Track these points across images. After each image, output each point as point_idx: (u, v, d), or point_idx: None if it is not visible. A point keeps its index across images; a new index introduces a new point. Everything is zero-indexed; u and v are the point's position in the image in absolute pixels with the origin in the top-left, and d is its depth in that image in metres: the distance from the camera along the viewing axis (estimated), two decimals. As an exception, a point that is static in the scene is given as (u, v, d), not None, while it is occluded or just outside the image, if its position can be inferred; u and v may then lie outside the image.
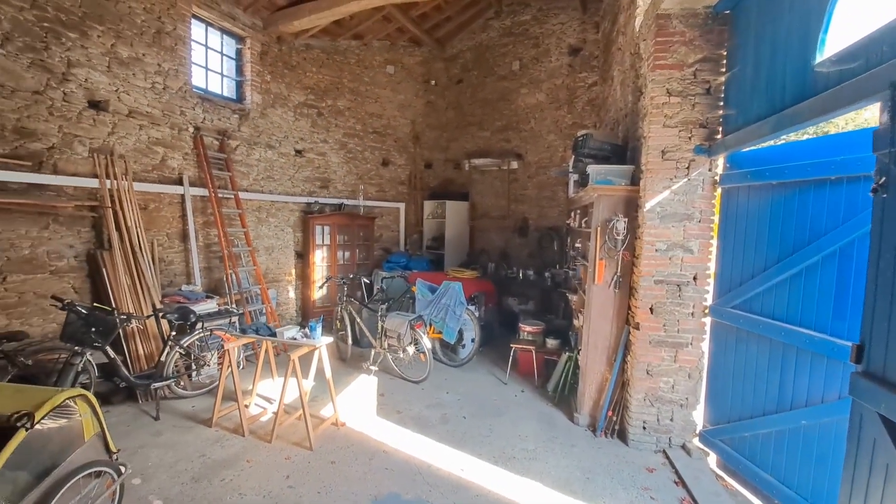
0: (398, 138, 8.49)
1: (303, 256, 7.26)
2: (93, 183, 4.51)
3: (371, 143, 8.09)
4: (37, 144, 4.14)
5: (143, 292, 4.65)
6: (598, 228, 3.89)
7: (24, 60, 4.01)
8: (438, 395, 4.67)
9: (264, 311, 6.01)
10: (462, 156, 8.65)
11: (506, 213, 8.08)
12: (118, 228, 4.61)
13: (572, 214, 5.36)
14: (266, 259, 6.65)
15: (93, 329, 3.48)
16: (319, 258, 7.16)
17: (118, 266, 4.50)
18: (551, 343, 5.25)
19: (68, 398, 2.29)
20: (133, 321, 3.93)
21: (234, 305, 5.52)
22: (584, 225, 4.56)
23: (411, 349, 4.84)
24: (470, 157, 8.38)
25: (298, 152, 7.17)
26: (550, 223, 7.52)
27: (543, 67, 7.63)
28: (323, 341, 3.71)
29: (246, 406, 4.15)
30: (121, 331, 4.26)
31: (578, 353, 4.42)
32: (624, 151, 4.52)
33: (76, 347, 3.43)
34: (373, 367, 5.24)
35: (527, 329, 5.39)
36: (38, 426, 2.16)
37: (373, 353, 5.24)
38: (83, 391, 2.37)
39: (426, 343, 4.82)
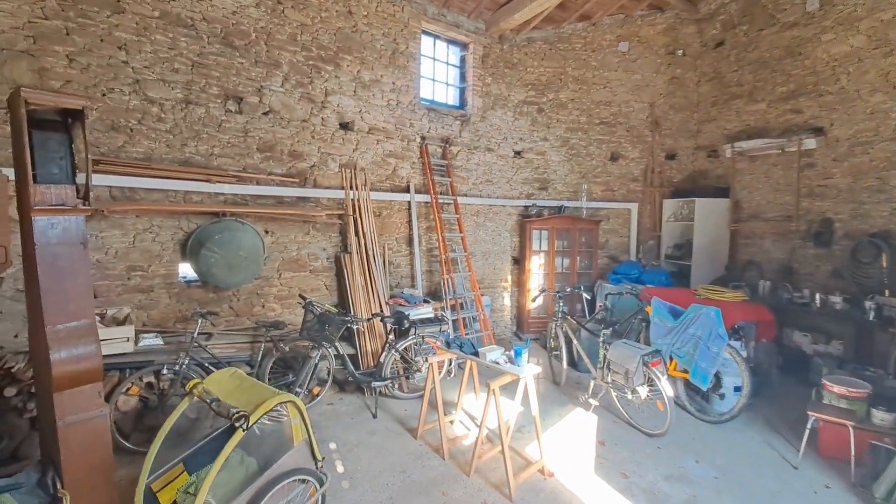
0: (631, 127, 7.21)
1: (519, 262, 6.89)
2: (339, 194, 5.14)
3: (597, 135, 7.10)
4: (302, 164, 4.94)
5: (372, 293, 5.05)
6: None
7: (295, 95, 4.82)
8: (683, 461, 3.46)
9: (477, 318, 5.86)
10: (721, 139, 6.72)
11: (791, 211, 5.81)
12: (357, 234, 5.13)
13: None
14: (483, 264, 6.54)
15: (326, 327, 3.81)
16: (536, 265, 6.64)
17: (354, 268, 5.00)
18: (881, 418, 3.30)
19: (279, 403, 2.37)
20: (355, 322, 4.20)
21: (448, 310, 5.53)
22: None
23: (643, 391, 3.76)
24: (733, 141, 6.41)
25: (517, 153, 6.83)
26: (875, 227, 4.98)
27: (866, -4, 5.12)
28: (529, 371, 3.12)
29: (450, 422, 3.94)
30: (354, 329, 4.69)
31: (966, 456, 2.52)
32: None
33: (310, 343, 3.82)
34: (592, 401, 4.36)
35: (837, 390, 3.54)
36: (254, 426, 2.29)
37: (592, 383, 4.36)
38: (293, 398, 2.43)
39: (667, 390, 3.65)
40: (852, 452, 3.25)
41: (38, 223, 2.18)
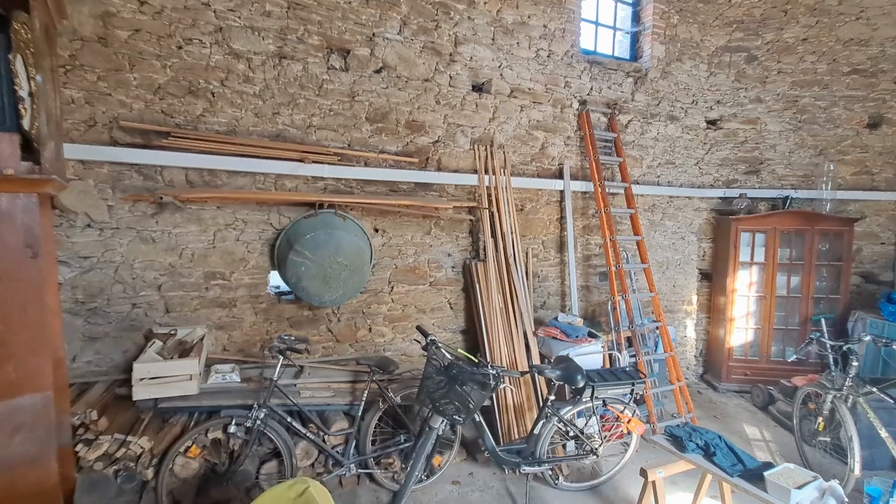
0: (904, 75, 4.68)
1: (711, 278, 4.85)
2: (471, 179, 3.76)
3: (846, 90, 4.70)
4: (423, 139, 3.65)
5: (514, 318, 3.57)
6: None
7: (416, 45, 3.55)
8: None
9: (663, 357, 4.03)
10: None
11: None
12: (493, 234, 3.70)
13: None
14: (658, 279, 4.65)
15: (457, 384, 2.39)
16: (743, 283, 4.53)
17: (490, 282, 3.56)
18: None
19: None
20: (503, 380, 2.71)
21: (620, 348, 3.80)
22: None
23: None
24: None
25: (711, 123, 4.81)
26: None
27: None
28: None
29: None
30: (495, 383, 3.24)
31: None
32: None
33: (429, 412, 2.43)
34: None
35: None
36: None
37: (937, 522, 2.31)
38: None
39: None
40: None
41: (-62, 204, 1.10)
